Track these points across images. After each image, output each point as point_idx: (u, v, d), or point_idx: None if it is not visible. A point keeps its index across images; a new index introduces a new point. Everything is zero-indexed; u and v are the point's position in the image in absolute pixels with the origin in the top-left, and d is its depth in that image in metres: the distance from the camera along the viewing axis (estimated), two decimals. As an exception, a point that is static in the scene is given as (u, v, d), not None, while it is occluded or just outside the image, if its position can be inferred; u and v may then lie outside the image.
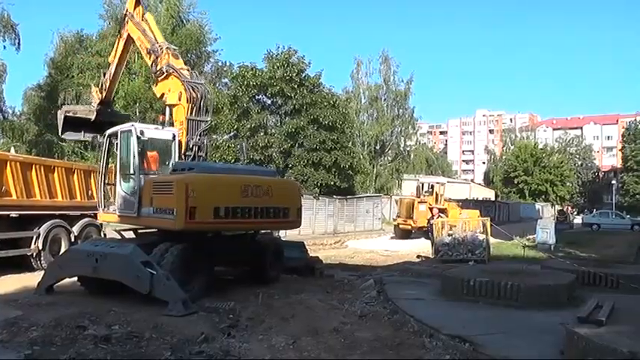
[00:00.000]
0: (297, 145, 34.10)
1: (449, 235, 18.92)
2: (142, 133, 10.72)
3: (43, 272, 10.73)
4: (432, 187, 32.46)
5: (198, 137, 11.10)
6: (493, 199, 69.68)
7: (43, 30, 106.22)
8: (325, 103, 34.29)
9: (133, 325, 7.49)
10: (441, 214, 28.05)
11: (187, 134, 11.22)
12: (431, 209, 29.83)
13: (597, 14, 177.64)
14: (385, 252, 23.53)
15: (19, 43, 35.51)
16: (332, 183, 33.90)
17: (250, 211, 10.14)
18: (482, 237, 18.53)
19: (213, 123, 30.81)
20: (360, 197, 37.86)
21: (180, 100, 11.37)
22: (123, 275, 8.94)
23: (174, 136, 11.15)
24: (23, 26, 40.72)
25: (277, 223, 11.25)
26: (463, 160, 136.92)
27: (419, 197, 31.28)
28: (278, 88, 33.26)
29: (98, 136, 13.77)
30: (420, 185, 33.33)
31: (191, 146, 11.05)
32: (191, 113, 11.29)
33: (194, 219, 9.40)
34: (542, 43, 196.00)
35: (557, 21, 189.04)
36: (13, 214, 12.67)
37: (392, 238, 30.94)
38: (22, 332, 7.03)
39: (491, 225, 20.32)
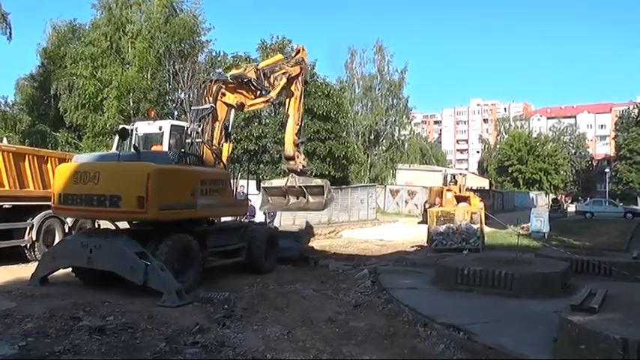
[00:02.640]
0: (291, 134, 33.98)
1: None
2: (136, 129, 11.81)
3: (36, 263, 10.70)
4: (455, 177, 35.97)
5: (197, 124, 11.21)
6: (487, 188, 69.79)
7: (35, 19, 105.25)
8: (319, 93, 34.16)
9: (127, 316, 7.50)
10: (439, 204, 28.96)
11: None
12: (437, 197, 32.55)
13: (591, 4, 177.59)
14: (380, 242, 23.56)
15: (10, 33, 35.00)
16: (326, 173, 33.81)
17: (76, 199, 9.57)
18: (476, 226, 18.55)
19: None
20: (354, 187, 37.82)
21: None
22: (117, 266, 8.94)
23: (160, 128, 11.72)
24: (15, 16, 40.33)
25: (106, 213, 9.59)
26: (457, 150, 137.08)
27: (446, 186, 34.38)
28: (272, 77, 33.16)
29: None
30: (446, 175, 37.12)
31: (189, 132, 11.27)
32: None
33: (55, 204, 10.21)
34: (536, 32, 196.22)
35: (552, 10, 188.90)
36: (6, 204, 12.63)
37: (419, 223, 31.59)
38: (15, 324, 7.02)
39: (485, 214, 20.36)
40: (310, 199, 14.64)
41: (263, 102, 13.31)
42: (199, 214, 10.28)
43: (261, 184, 15.60)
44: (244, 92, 12.47)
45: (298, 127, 14.89)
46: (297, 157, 14.71)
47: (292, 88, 14.55)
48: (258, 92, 12.81)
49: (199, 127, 11.23)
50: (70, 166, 10.38)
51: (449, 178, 35.78)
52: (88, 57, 34.84)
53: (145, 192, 8.91)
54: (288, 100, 14.86)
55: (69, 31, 39.65)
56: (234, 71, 12.93)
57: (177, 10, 38.92)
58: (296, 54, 15.19)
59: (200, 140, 11.07)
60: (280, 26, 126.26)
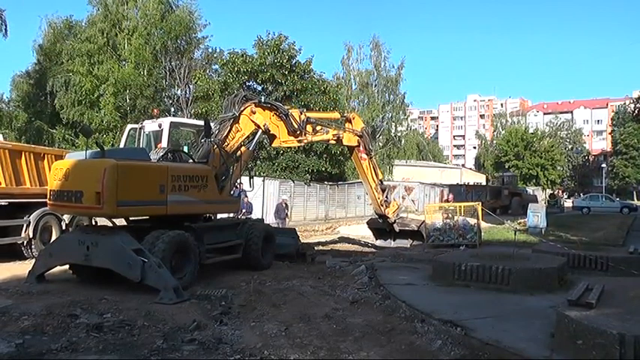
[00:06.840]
0: (288, 131, 33.91)
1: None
2: (144, 128, 13.23)
3: (33, 261, 10.68)
4: (510, 178, 48.94)
5: (217, 126, 11.72)
6: (484, 183, 69.88)
7: (30, 16, 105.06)
8: (316, 90, 34.07)
9: (124, 314, 7.48)
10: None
11: None
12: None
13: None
14: (377, 237, 23.52)
15: (5, 30, 34.83)
16: (323, 169, 33.78)
17: (55, 194, 9.84)
18: (473, 221, 18.57)
19: (204, 109, 30.80)
20: (351, 183, 37.78)
21: None
22: (114, 263, 8.93)
23: (160, 126, 12.88)
24: (10, 12, 40.14)
25: (73, 208, 10.00)
26: (454, 145, 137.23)
27: (503, 184, 45.77)
28: (268, 74, 33.01)
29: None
30: (503, 177, 49.93)
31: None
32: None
33: (48, 200, 10.24)
34: (533, 28, 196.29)
35: (549, 6, 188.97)
36: (3, 202, 12.60)
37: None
38: (12, 321, 7.00)
39: (482, 209, 20.38)
40: (411, 240, 17.84)
41: (297, 142, 13.80)
42: (171, 210, 9.95)
43: (367, 223, 19.63)
44: (279, 125, 12.98)
45: (379, 186, 16.65)
46: (387, 213, 16.99)
47: (356, 158, 16.03)
48: (297, 132, 13.35)
49: (217, 129, 11.53)
50: (57, 163, 10.54)
51: (505, 179, 48.98)
52: (84, 53, 34.74)
53: (101, 188, 8.91)
54: (358, 169, 16.58)
55: (65, 27, 39.53)
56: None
57: (173, 7, 38.86)
58: (347, 121, 16.09)
59: (211, 140, 11.16)
60: (277, 22, 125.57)
